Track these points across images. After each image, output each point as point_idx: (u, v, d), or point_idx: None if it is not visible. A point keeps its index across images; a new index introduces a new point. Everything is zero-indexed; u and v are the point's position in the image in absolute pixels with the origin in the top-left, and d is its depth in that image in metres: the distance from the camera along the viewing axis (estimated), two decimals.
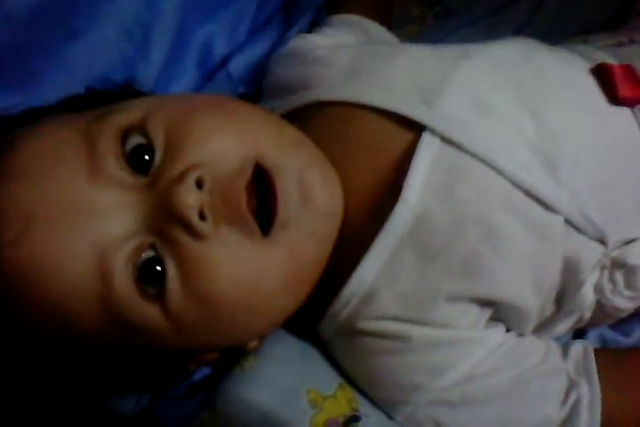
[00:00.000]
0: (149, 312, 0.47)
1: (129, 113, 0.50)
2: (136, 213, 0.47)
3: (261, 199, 0.48)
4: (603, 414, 0.52)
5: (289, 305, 0.53)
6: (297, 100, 0.59)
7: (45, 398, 0.58)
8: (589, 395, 0.53)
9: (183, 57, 0.72)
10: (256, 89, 0.70)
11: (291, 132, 0.54)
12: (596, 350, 0.56)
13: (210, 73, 0.74)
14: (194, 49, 0.73)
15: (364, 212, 0.53)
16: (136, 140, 0.49)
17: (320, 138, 0.54)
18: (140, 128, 0.49)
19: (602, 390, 0.53)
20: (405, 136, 0.53)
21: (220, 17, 0.74)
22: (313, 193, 0.49)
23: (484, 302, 0.52)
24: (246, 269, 0.48)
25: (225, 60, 0.74)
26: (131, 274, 0.46)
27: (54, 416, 0.59)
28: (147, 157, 0.48)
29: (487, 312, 0.53)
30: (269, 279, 0.49)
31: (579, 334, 0.62)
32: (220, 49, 0.74)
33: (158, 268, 0.47)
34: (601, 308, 0.54)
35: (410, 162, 0.51)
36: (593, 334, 0.62)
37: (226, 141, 0.49)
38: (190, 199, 0.45)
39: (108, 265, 0.46)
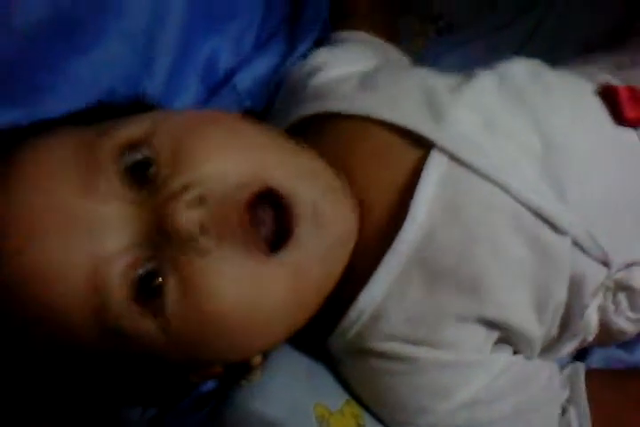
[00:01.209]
0: (146, 327, 0.47)
1: (134, 127, 0.50)
2: (134, 227, 0.47)
3: (277, 219, 0.49)
4: None
5: (290, 325, 0.53)
6: (307, 110, 0.59)
7: (47, 409, 0.58)
8: (577, 422, 0.54)
9: (188, 70, 0.72)
10: (262, 104, 0.71)
11: (306, 158, 0.54)
12: (593, 372, 0.57)
13: (215, 87, 0.73)
14: (199, 62, 0.73)
15: (374, 229, 0.53)
16: (140, 154, 0.49)
17: (330, 150, 0.55)
18: (145, 142, 0.49)
19: (592, 415, 0.54)
20: (414, 153, 0.53)
21: (225, 30, 0.74)
22: (327, 220, 0.49)
23: (492, 325, 0.52)
24: (247, 287, 0.48)
25: (230, 74, 0.74)
26: (128, 288, 0.46)
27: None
28: (150, 171, 0.48)
29: (494, 335, 0.53)
30: (270, 299, 0.49)
31: (583, 352, 0.62)
32: (225, 62, 0.74)
33: (158, 281, 0.47)
34: (605, 330, 0.54)
35: (418, 180, 0.51)
36: (596, 354, 0.63)
37: (231, 159, 0.49)
38: (190, 215, 0.46)
39: (102, 279, 0.46)
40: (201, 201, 0.46)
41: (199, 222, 0.46)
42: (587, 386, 0.56)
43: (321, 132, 0.57)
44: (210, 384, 0.61)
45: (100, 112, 0.59)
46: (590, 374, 0.57)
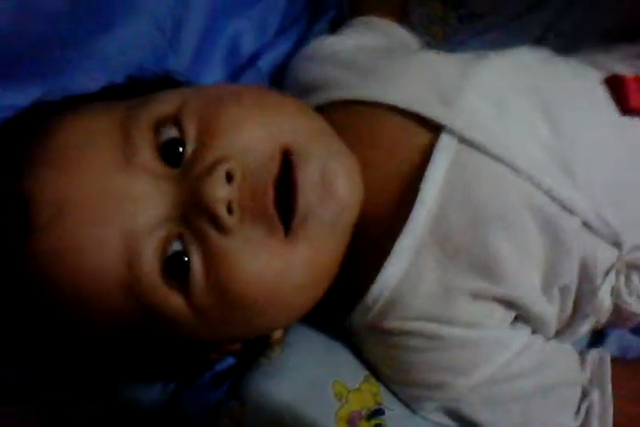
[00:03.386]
0: (174, 303, 0.48)
1: (164, 104, 0.51)
2: (166, 202, 0.48)
3: (286, 191, 0.49)
4: (614, 424, 0.54)
5: (310, 300, 0.54)
6: (317, 99, 0.60)
7: (69, 386, 0.59)
8: (600, 404, 0.54)
9: (212, 53, 0.73)
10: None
11: (320, 122, 0.55)
12: (613, 360, 0.57)
13: (238, 70, 0.74)
14: (223, 45, 0.74)
15: (386, 212, 0.53)
16: (170, 132, 0.49)
17: (340, 136, 0.55)
18: (174, 119, 0.50)
19: (615, 400, 0.54)
20: (424, 136, 0.53)
21: (249, 14, 0.75)
22: (336, 184, 0.49)
23: (507, 304, 0.53)
24: (268, 268, 0.48)
25: (253, 58, 0.74)
26: (159, 264, 0.47)
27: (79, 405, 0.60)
28: (180, 150, 0.49)
29: (511, 314, 0.54)
30: (291, 277, 0.50)
31: (598, 337, 0.63)
32: (249, 46, 0.75)
33: (185, 259, 0.48)
34: (618, 311, 0.55)
35: (428, 163, 0.51)
36: (612, 338, 0.63)
37: (255, 132, 0.50)
38: (219, 192, 0.46)
39: (135, 253, 0.47)
40: (230, 178, 0.47)
41: (227, 200, 0.47)
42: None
43: (331, 119, 0.57)
44: (229, 361, 0.62)
45: (129, 88, 0.59)
46: (614, 362, 0.58)
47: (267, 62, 0.74)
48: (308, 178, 0.48)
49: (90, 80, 0.62)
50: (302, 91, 0.63)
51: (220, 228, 0.47)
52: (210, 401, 0.58)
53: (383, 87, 0.56)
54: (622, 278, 0.54)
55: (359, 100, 0.57)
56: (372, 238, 0.53)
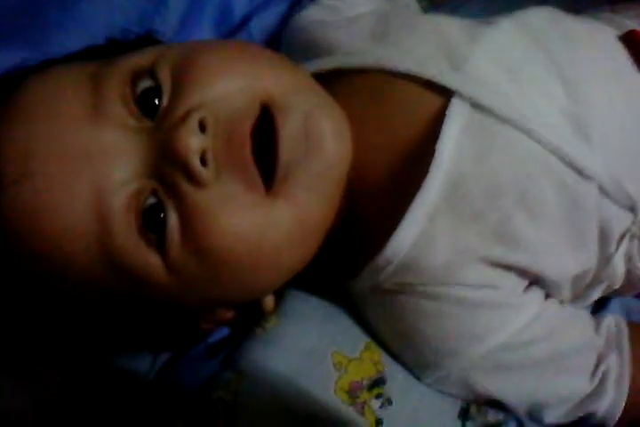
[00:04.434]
0: (150, 261, 0.46)
1: (139, 57, 0.49)
2: (139, 156, 0.46)
3: (267, 148, 0.46)
4: (630, 389, 0.53)
5: (299, 258, 0.52)
6: (320, 65, 0.58)
7: (53, 357, 0.57)
8: (618, 369, 0.54)
9: (201, 15, 0.71)
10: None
11: (306, 78, 0.53)
12: (628, 325, 0.57)
13: (229, 33, 0.72)
14: (213, 7, 0.72)
15: (397, 178, 0.52)
16: (145, 83, 0.48)
17: (348, 104, 0.53)
18: (149, 71, 0.48)
19: (631, 365, 0.54)
20: (434, 102, 0.52)
21: None
22: (320, 136, 0.47)
23: (522, 271, 0.52)
24: (247, 223, 0.46)
25: (245, 21, 0.72)
26: (132, 219, 0.45)
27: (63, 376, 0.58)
28: (156, 101, 0.47)
29: (525, 281, 0.53)
30: (274, 234, 0.47)
31: (601, 302, 0.62)
32: (240, 8, 0.73)
33: (161, 215, 0.46)
34: (630, 277, 0.54)
35: (440, 128, 0.50)
36: (616, 302, 0.63)
37: (231, 81, 0.48)
38: (192, 142, 0.44)
39: (106, 209, 0.45)
40: (203, 127, 0.45)
41: (200, 150, 0.44)
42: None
43: (332, 84, 0.55)
44: (223, 332, 0.60)
45: (109, 49, 0.57)
46: (630, 326, 0.57)
47: (257, 25, 0.72)
48: (289, 130, 0.46)
49: (73, 43, 0.61)
50: (300, 54, 0.61)
51: (195, 181, 0.45)
52: (204, 373, 0.56)
53: (391, 54, 0.55)
54: (636, 244, 0.53)
55: (367, 68, 0.55)
56: (383, 207, 0.52)
